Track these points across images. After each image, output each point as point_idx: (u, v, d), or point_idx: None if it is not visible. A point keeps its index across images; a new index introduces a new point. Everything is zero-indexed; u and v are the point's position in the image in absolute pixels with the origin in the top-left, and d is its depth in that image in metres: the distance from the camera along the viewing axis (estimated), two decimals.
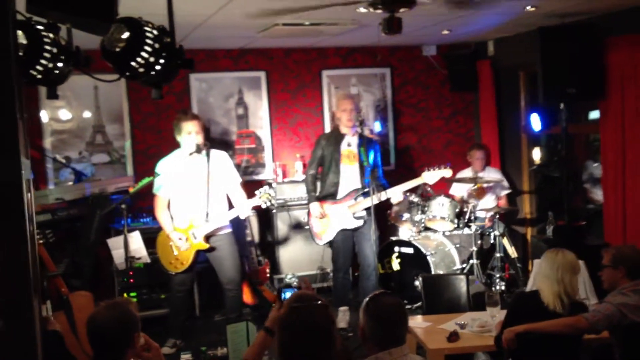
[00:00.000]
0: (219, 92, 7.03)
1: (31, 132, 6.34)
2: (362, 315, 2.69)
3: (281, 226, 6.77)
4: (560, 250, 3.57)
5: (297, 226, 6.75)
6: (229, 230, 5.45)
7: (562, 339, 3.38)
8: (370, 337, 2.64)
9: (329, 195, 5.82)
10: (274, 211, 6.63)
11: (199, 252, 5.34)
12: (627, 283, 3.46)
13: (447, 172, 5.70)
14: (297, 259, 6.74)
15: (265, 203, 5.31)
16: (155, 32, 2.50)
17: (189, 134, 5.26)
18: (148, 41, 2.47)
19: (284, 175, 7.04)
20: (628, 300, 3.35)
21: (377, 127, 7.38)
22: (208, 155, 5.30)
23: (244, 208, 5.34)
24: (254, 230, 6.46)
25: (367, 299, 2.72)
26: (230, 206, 5.45)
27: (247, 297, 6.24)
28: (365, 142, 5.71)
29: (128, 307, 2.92)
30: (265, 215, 6.74)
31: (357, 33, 6.00)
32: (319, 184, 5.98)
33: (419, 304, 5.33)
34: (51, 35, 2.63)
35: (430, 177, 5.69)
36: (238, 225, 5.85)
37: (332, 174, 5.78)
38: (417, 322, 4.24)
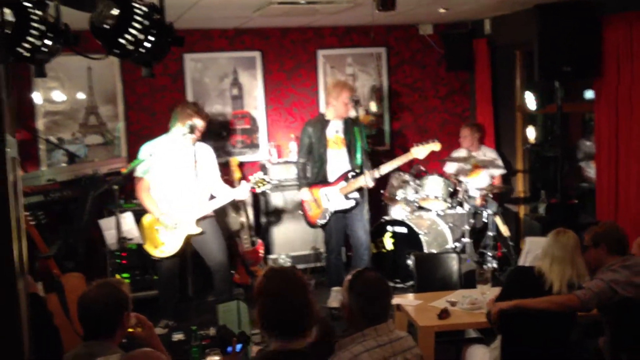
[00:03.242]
0: (213, 73, 6.99)
1: (24, 114, 6.32)
2: (347, 293, 2.69)
3: (275, 207, 6.76)
4: (566, 230, 3.51)
5: (291, 207, 6.74)
6: (213, 214, 5.45)
7: (555, 316, 3.38)
8: (358, 314, 2.65)
9: (320, 181, 5.83)
10: (267, 192, 6.61)
11: (189, 237, 5.32)
12: (611, 260, 3.47)
13: (436, 146, 5.67)
14: (290, 240, 6.75)
15: (259, 187, 5.32)
16: (144, 8, 2.47)
17: (197, 132, 5.25)
18: (137, 18, 2.45)
19: (279, 156, 7.03)
20: (618, 276, 3.37)
21: (372, 107, 7.36)
22: (194, 143, 5.27)
23: (240, 192, 5.33)
24: (247, 210, 6.45)
25: (349, 277, 2.72)
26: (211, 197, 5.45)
27: (241, 277, 6.25)
28: (350, 124, 5.72)
29: (119, 287, 2.93)
30: (259, 196, 6.73)
31: (352, 12, 5.96)
32: (308, 169, 5.96)
33: (412, 282, 5.34)
34: (39, 12, 2.60)
35: (419, 152, 5.67)
36: (222, 207, 5.84)
37: (321, 160, 5.79)
38: (408, 300, 4.26)
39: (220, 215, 5.78)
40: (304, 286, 2.59)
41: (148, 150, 5.29)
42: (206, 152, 5.45)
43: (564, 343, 3.41)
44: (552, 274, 3.40)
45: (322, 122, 5.82)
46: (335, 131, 5.80)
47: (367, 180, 5.59)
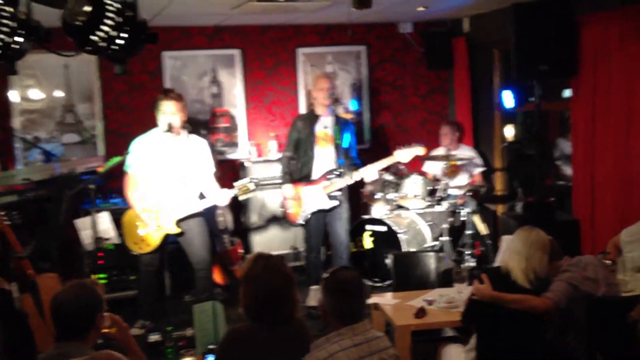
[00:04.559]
0: (192, 70, 6.95)
1: None
2: (322, 292, 2.69)
3: (254, 206, 6.73)
4: (533, 228, 3.62)
5: (270, 206, 6.71)
6: (202, 211, 5.39)
7: (530, 316, 3.41)
8: (330, 313, 2.64)
9: (303, 177, 5.78)
10: None
11: (167, 235, 5.27)
12: (553, 266, 3.57)
13: (419, 150, 5.70)
14: (269, 239, 6.73)
15: (240, 195, 5.27)
16: (117, 5, 2.44)
17: (165, 114, 5.16)
18: (109, 14, 2.42)
19: (258, 155, 7.00)
20: (571, 274, 3.50)
21: (353, 105, 7.35)
22: (187, 138, 5.19)
23: (222, 198, 5.27)
24: (226, 210, 6.41)
25: (325, 275, 2.72)
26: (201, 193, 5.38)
27: (219, 277, 6.22)
28: (340, 122, 5.70)
29: (93, 288, 2.90)
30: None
31: (332, 10, 5.96)
32: (293, 164, 5.93)
33: (391, 281, 5.34)
34: (9, 9, 2.56)
35: (403, 155, 5.69)
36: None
37: (307, 156, 5.73)
38: (386, 299, 4.26)
39: (209, 213, 5.71)
40: (287, 275, 2.62)
41: (132, 146, 5.22)
42: (199, 147, 5.33)
43: (539, 342, 3.44)
44: (512, 267, 3.51)
45: (311, 118, 5.77)
46: (323, 127, 5.75)
47: (365, 173, 5.65)
